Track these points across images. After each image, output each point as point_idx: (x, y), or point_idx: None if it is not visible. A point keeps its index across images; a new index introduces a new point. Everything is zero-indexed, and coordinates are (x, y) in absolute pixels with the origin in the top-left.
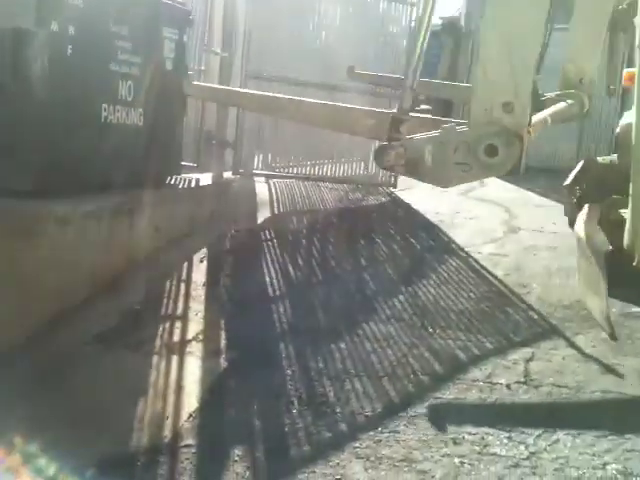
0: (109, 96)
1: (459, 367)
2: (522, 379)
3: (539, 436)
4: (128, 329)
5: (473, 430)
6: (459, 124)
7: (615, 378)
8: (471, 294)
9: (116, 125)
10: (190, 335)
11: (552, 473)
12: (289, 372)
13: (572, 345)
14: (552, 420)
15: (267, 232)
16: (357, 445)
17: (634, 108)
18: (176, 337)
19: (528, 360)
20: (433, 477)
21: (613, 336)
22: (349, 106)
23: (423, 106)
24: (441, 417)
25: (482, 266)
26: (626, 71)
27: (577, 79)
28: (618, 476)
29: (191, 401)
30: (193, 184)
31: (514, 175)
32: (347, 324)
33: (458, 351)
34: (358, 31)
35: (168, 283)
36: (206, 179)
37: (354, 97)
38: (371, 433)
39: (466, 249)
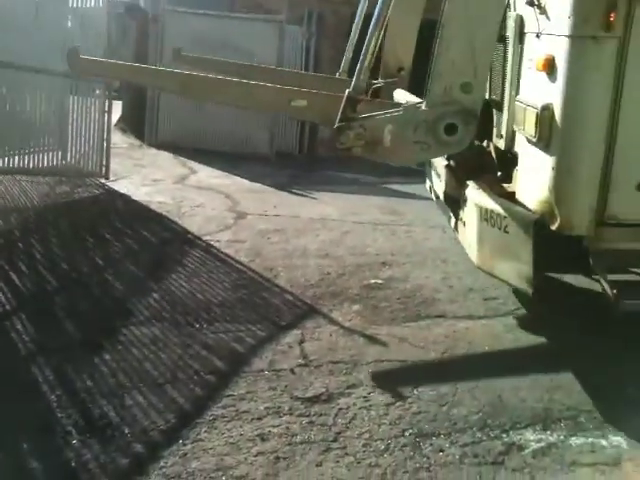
0: None
1: (240, 360)
2: (302, 361)
3: (337, 415)
4: None
5: (275, 422)
6: (417, 104)
7: (381, 347)
8: (225, 283)
9: None
10: None
11: (362, 450)
12: (54, 398)
13: (332, 321)
14: (342, 397)
15: None
16: (162, 464)
17: (558, 91)
18: None
19: (300, 342)
20: None
21: (533, 296)
22: (285, 87)
23: None
24: (240, 415)
25: (226, 254)
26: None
27: (396, 69)
28: (417, 439)
29: None
30: None
31: (458, 151)
32: (104, 332)
33: (233, 344)
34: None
35: None
36: None
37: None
38: (173, 448)
39: (204, 238)
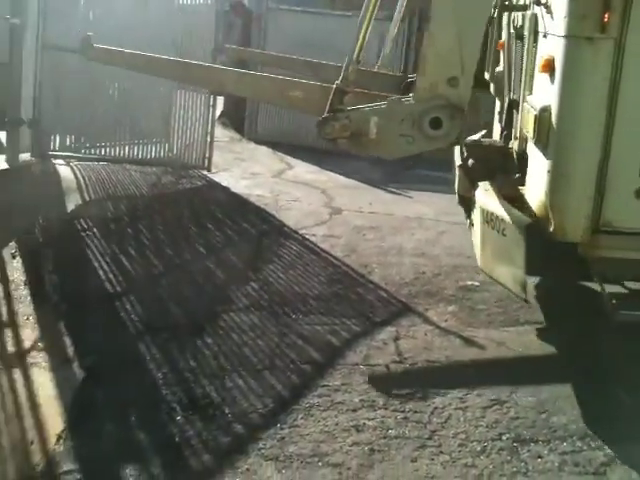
0: None
1: (335, 352)
2: (397, 358)
3: (432, 413)
4: None
5: (370, 415)
6: (403, 97)
7: (478, 350)
8: (320, 277)
9: None
10: (27, 343)
11: (457, 449)
12: (160, 375)
13: (427, 320)
14: (438, 396)
15: (83, 221)
16: (261, 446)
17: (555, 93)
18: (10, 347)
19: (396, 339)
20: (349, 469)
21: (527, 301)
22: (279, 77)
23: None
24: (335, 405)
25: (321, 248)
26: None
27: None
28: (514, 444)
29: (54, 420)
30: None
31: (451, 146)
32: (206, 316)
33: (329, 336)
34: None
35: None
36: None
37: None
38: (271, 431)
39: (300, 232)
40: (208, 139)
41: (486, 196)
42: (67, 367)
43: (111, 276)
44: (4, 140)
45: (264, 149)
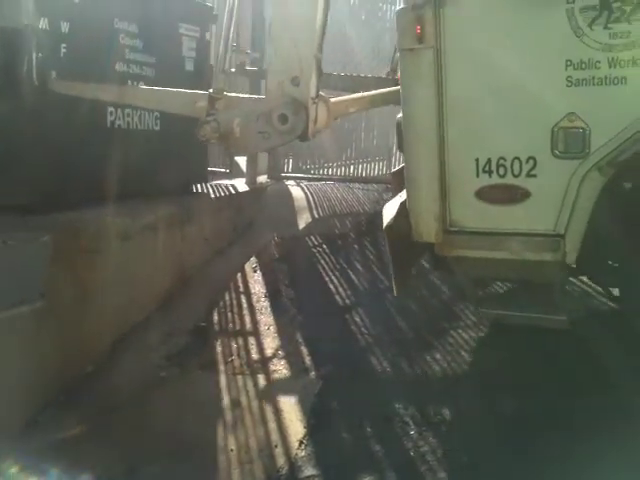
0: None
1: None
2: None
3: None
4: (199, 348)
5: None
6: (260, 98)
7: None
8: None
9: (125, 130)
10: (269, 352)
11: None
12: (391, 388)
13: None
14: None
15: (313, 238)
16: None
17: (402, 104)
18: (254, 354)
19: None
20: None
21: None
22: (186, 91)
23: None
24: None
25: None
26: None
27: None
28: None
29: (296, 426)
30: (232, 190)
31: (304, 140)
32: (434, 332)
33: None
34: None
35: (227, 296)
36: (241, 184)
37: None
38: None
39: None
40: None
41: (393, 201)
42: (305, 375)
43: (341, 290)
44: (244, 164)
45: None
